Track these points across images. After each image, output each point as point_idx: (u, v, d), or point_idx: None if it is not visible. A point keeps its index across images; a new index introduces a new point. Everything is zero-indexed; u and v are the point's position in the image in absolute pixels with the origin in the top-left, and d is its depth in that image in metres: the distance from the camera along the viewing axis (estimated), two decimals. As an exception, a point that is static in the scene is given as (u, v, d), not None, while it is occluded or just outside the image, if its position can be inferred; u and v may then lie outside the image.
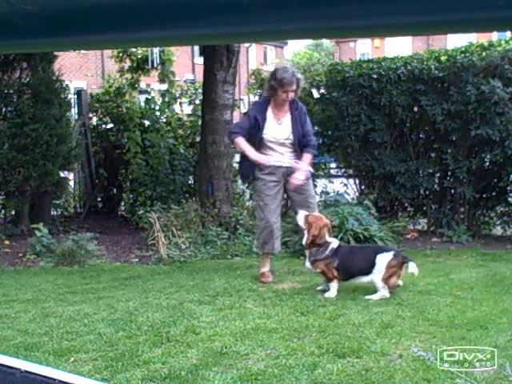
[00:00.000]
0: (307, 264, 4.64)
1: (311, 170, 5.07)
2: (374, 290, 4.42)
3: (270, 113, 4.92)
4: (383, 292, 4.36)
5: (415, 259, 4.65)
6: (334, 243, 4.58)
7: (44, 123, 6.80)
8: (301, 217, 4.64)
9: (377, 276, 4.36)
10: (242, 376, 3.06)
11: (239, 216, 6.79)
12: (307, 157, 4.95)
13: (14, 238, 6.80)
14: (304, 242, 4.64)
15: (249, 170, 5.00)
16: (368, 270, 4.42)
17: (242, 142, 4.88)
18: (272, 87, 4.85)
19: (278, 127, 4.91)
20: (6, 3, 0.56)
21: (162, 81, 8.44)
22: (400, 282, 4.47)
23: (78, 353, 3.44)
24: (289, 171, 4.91)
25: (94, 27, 0.57)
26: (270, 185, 4.93)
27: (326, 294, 4.47)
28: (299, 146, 4.93)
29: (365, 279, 4.47)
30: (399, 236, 6.46)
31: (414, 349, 3.27)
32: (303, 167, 4.90)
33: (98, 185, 8.70)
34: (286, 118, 4.93)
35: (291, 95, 4.82)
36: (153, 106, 8.25)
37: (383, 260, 4.37)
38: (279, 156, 4.93)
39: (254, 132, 4.88)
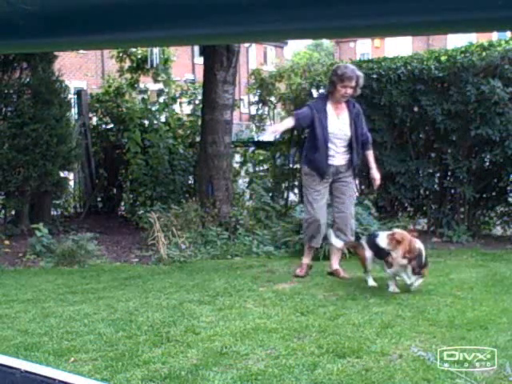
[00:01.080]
0: (415, 283, 4.46)
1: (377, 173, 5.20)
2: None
3: (329, 108, 5.01)
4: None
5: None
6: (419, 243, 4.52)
7: (44, 123, 6.80)
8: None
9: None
10: (242, 376, 3.06)
11: (239, 216, 6.80)
12: (371, 154, 5.18)
13: (14, 238, 6.80)
14: (395, 260, 4.42)
15: (320, 162, 5.01)
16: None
17: (286, 120, 5.13)
18: (332, 82, 4.98)
19: (337, 121, 5.02)
20: (5, 3, 0.56)
21: (155, 80, 8.44)
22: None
23: (78, 353, 3.44)
24: (339, 169, 5.04)
25: (94, 27, 0.57)
26: (318, 180, 5.03)
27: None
28: (357, 144, 5.04)
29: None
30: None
31: (414, 349, 3.27)
32: (374, 166, 5.16)
33: (98, 185, 8.70)
34: (344, 115, 5.04)
35: (350, 91, 4.92)
36: (150, 106, 8.24)
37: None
38: (335, 153, 5.02)
39: (318, 126, 4.94)
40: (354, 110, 5.04)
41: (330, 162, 5.00)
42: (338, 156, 5.03)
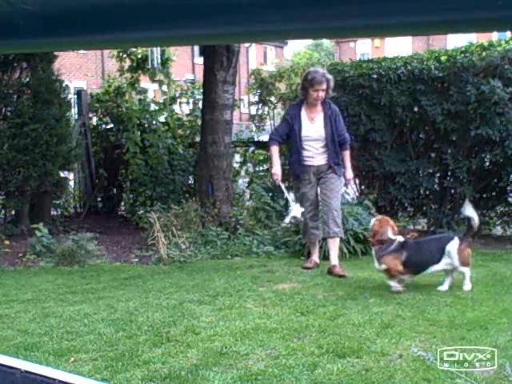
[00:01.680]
0: (375, 264, 4.67)
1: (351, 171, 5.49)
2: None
3: (303, 112, 5.32)
4: (469, 274, 4.54)
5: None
6: (400, 239, 4.66)
7: (44, 123, 6.80)
8: (371, 222, 4.82)
9: (458, 262, 4.50)
10: (242, 376, 3.06)
11: (239, 216, 6.79)
12: (346, 154, 5.42)
13: (14, 238, 6.80)
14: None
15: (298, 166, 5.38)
16: (438, 259, 4.53)
17: (273, 152, 5.40)
18: (304, 87, 5.27)
19: (312, 125, 5.30)
20: (5, 3, 0.56)
21: (153, 80, 8.43)
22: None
23: (78, 353, 3.44)
24: (320, 169, 5.33)
25: (94, 27, 0.57)
26: (304, 183, 5.35)
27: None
28: (333, 144, 5.30)
29: (436, 268, 4.57)
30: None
31: (414, 349, 3.27)
32: (348, 166, 5.41)
33: (98, 185, 8.70)
34: (319, 117, 5.30)
35: (322, 94, 5.18)
36: (147, 107, 8.23)
37: (453, 247, 4.52)
38: (314, 154, 5.31)
39: (293, 131, 5.30)
40: (329, 112, 5.30)
41: (309, 163, 5.33)
42: (317, 156, 5.33)
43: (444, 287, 4.55)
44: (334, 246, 5.32)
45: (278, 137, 5.40)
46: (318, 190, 5.42)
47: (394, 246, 4.55)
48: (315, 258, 5.52)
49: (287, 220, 5.40)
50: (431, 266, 4.57)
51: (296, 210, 5.24)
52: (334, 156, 5.31)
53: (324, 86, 5.14)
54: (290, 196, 5.60)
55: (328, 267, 5.21)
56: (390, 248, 4.53)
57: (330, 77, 5.23)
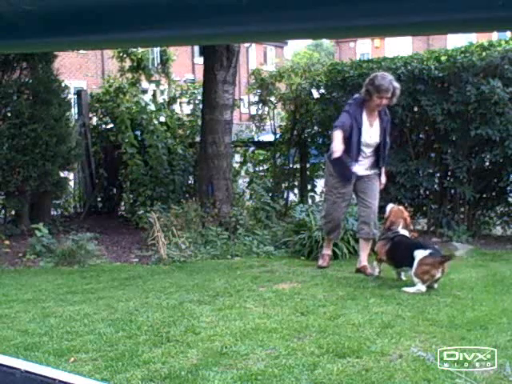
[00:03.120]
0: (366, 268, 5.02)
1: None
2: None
3: (364, 115, 5.11)
4: (418, 286, 4.52)
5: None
6: (401, 232, 4.89)
7: (43, 123, 6.79)
8: (388, 208, 5.08)
9: (413, 270, 4.56)
10: (242, 376, 3.06)
11: (239, 216, 6.79)
12: (385, 160, 5.36)
13: (13, 238, 6.79)
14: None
15: (346, 170, 5.19)
16: (410, 263, 4.59)
17: (336, 134, 4.91)
18: (368, 92, 4.99)
19: (371, 130, 5.15)
20: (6, 3, 0.56)
21: (150, 81, 8.43)
22: (438, 276, 4.57)
23: (78, 353, 3.44)
24: (364, 171, 5.25)
25: (94, 27, 0.57)
26: (343, 183, 5.24)
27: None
28: (383, 150, 5.24)
29: (409, 272, 4.65)
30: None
31: (414, 349, 3.27)
32: (383, 172, 5.38)
33: (98, 185, 8.70)
34: (377, 123, 5.16)
35: (385, 102, 4.99)
36: (144, 108, 8.21)
37: (418, 256, 4.55)
38: (364, 158, 5.21)
39: (353, 131, 5.03)
40: (385, 118, 5.19)
41: (354, 171, 5.21)
42: (364, 161, 5.23)
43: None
44: (368, 246, 5.31)
45: (344, 127, 4.96)
46: (357, 189, 5.31)
47: (388, 234, 4.91)
48: (328, 251, 5.52)
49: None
50: (405, 266, 4.72)
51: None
52: (382, 161, 5.29)
53: (389, 95, 4.94)
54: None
55: (357, 267, 5.22)
56: (385, 235, 4.90)
57: (397, 85, 4.99)
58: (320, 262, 5.47)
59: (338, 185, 5.26)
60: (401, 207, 5.20)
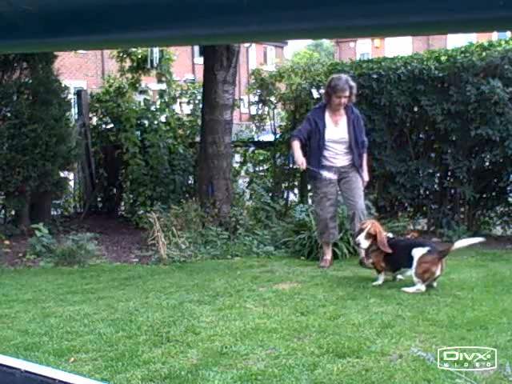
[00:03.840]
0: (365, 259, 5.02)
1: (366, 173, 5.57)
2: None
3: (327, 116, 5.43)
4: (418, 286, 4.52)
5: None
6: (388, 235, 4.92)
7: (43, 123, 6.79)
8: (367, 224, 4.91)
9: (413, 270, 4.54)
10: (242, 376, 3.06)
11: (239, 216, 6.79)
12: (364, 157, 5.55)
13: (13, 238, 6.79)
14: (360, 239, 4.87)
15: (314, 170, 5.43)
16: (409, 262, 4.58)
17: (294, 145, 5.40)
18: (327, 93, 5.41)
19: (336, 128, 5.43)
20: (6, 3, 0.56)
21: (159, 80, 8.43)
22: (438, 273, 4.57)
23: (78, 353, 3.44)
24: (341, 169, 5.44)
25: (94, 27, 0.57)
26: (324, 183, 5.43)
27: (374, 283, 4.79)
28: (356, 146, 5.44)
29: (408, 272, 4.65)
30: (399, 236, 6.45)
31: (414, 349, 3.27)
32: (365, 169, 5.54)
33: (98, 185, 8.70)
34: (343, 121, 5.45)
35: (344, 101, 5.33)
36: (150, 107, 8.22)
37: (417, 254, 4.54)
38: (336, 155, 5.45)
39: (316, 134, 5.40)
40: (352, 116, 5.45)
41: (330, 164, 5.43)
42: (339, 157, 5.46)
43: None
44: None
45: (301, 135, 5.43)
46: (341, 189, 5.50)
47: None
48: (329, 256, 5.57)
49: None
50: (403, 268, 4.70)
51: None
52: (357, 158, 5.46)
53: (347, 93, 5.28)
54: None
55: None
56: (373, 246, 4.80)
57: (353, 84, 5.34)
58: (322, 264, 5.53)
59: (319, 185, 5.49)
60: (374, 221, 5.04)
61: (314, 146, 5.44)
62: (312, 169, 5.38)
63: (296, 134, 5.53)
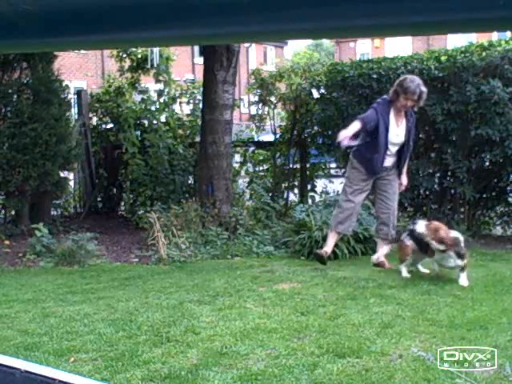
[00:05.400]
0: (460, 278, 4.75)
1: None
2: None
3: (391, 115, 5.26)
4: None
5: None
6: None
7: (43, 123, 6.80)
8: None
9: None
10: (242, 376, 3.06)
11: (239, 216, 6.79)
12: (407, 161, 5.54)
13: (13, 238, 6.79)
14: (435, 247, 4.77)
15: (371, 165, 5.30)
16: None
17: (354, 125, 5.07)
18: (396, 92, 5.17)
19: (397, 129, 5.30)
20: (6, 3, 0.56)
21: (157, 80, 8.43)
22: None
23: (78, 353, 3.44)
24: (384, 169, 5.35)
25: (94, 27, 0.57)
26: (367, 180, 5.34)
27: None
28: (407, 150, 5.41)
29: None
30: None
31: (414, 349, 3.27)
32: (404, 172, 5.51)
33: (98, 185, 8.70)
34: (403, 123, 5.32)
35: (410, 104, 5.17)
36: (149, 107, 8.22)
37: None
38: (389, 155, 5.33)
39: (379, 129, 5.17)
40: (411, 119, 5.35)
41: (386, 165, 5.35)
42: (388, 158, 5.35)
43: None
44: (385, 245, 5.48)
45: (366, 122, 5.12)
46: (377, 188, 5.43)
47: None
48: (330, 249, 5.44)
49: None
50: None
51: None
52: (403, 162, 5.43)
53: (415, 97, 5.12)
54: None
55: (374, 262, 5.38)
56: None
57: (424, 89, 5.14)
58: (320, 251, 5.42)
59: (361, 177, 5.34)
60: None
61: (373, 143, 5.22)
62: (371, 156, 5.22)
63: (362, 117, 5.22)
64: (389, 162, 5.35)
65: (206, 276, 5.24)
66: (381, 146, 5.21)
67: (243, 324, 3.84)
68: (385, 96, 5.39)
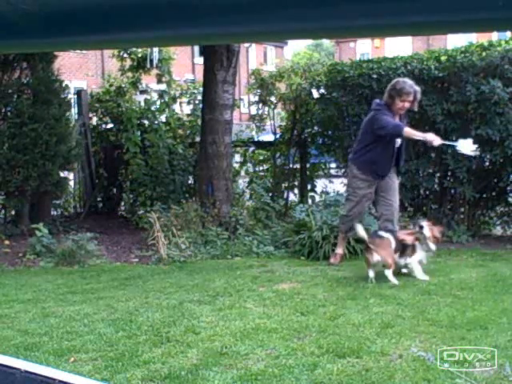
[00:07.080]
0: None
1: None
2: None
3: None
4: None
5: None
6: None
7: (43, 123, 6.79)
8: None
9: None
10: (242, 376, 3.06)
11: (239, 216, 6.79)
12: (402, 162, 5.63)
13: (13, 238, 6.79)
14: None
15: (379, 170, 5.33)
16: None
17: (410, 130, 5.15)
18: (391, 96, 5.20)
19: None
20: (5, 3, 0.56)
21: (159, 80, 8.43)
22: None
23: (78, 353, 3.44)
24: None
25: (94, 27, 0.57)
26: (365, 184, 5.38)
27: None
28: (404, 149, 5.46)
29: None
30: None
31: (414, 349, 3.27)
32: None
33: (98, 185, 8.70)
34: None
35: (407, 105, 5.18)
36: (150, 107, 8.22)
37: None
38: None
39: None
40: (404, 121, 5.37)
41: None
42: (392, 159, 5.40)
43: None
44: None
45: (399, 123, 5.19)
46: (378, 188, 5.43)
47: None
48: (341, 251, 5.63)
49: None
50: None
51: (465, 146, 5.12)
52: (403, 160, 5.52)
53: (411, 98, 5.14)
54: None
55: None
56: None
57: (417, 88, 5.18)
58: (332, 260, 5.58)
59: (363, 185, 5.38)
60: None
61: (381, 148, 5.23)
62: (378, 159, 5.23)
63: (397, 123, 5.17)
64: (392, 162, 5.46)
65: (206, 276, 5.24)
66: (389, 151, 5.26)
67: (243, 324, 3.84)
68: (377, 100, 5.39)
